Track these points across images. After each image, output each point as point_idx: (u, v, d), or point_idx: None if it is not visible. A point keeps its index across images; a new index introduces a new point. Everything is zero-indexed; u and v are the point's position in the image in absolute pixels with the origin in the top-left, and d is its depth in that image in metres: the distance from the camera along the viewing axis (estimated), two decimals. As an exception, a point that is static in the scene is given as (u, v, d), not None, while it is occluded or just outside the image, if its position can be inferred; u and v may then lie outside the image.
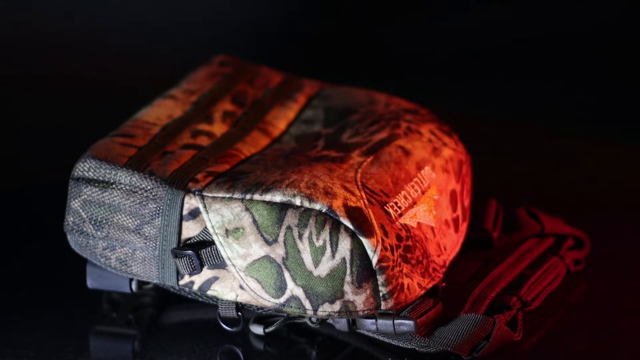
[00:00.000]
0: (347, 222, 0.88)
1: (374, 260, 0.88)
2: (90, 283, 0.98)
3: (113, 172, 0.93)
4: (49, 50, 1.54)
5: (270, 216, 0.89)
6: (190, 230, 0.92)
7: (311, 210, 0.89)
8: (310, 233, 0.89)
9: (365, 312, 0.89)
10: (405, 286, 0.90)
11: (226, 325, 0.94)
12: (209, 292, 0.93)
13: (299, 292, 0.89)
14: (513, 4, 1.56)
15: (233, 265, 0.90)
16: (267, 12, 1.59)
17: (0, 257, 1.08)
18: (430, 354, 0.90)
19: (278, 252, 0.89)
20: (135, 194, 0.93)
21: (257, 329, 0.94)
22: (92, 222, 0.94)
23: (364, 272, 0.88)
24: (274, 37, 1.56)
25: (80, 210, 0.94)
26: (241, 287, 0.91)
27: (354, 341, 0.93)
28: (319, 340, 0.93)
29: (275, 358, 0.92)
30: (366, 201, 0.91)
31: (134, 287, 0.97)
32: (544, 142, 1.34)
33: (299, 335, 0.93)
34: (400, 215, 0.93)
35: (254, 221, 0.90)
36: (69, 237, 0.96)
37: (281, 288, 0.90)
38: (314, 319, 0.92)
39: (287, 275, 0.89)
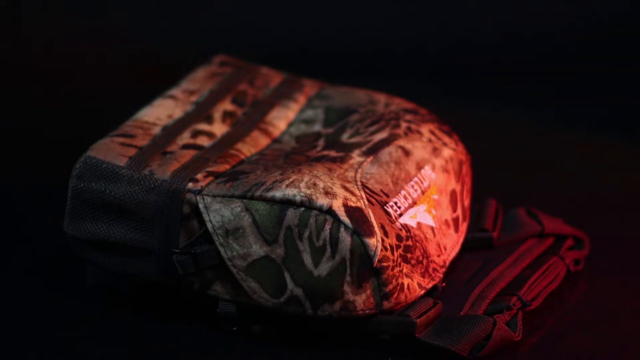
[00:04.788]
0: (347, 222, 0.88)
1: (374, 260, 0.88)
2: (90, 281, 0.98)
3: (113, 172, 0.93)
4: (49, 50, 1.54)
5: (270, 216, 0.89)
6: (190, 230, 0.92)
7: (311, 210, 0.89)
8: (310, 233, 0.89)
9: (365, 312, 0.89)
10: (405, 286, 0.90)
11: (226, 325, 0.94)
12: (209, 292, 0.93)
13: (299, 292, 0.89)
14: (513, 2, 1.56)
15: (233, 265, 0.90)
16: (267, 12, 1.59)
17: (1, 257, 1.08)
18: (430, 354, 0.89)
19: (278, 252, 0.89)
20: (136, 193, 0.93)
21: (256, 328, 0.94)
22: (92, 222, 0.94)
23: (364, 272, 0.88)
24: (275, 38, 1.56)
25: (80, 210, 0.94)
26: (241, 287, 0.91)
27: (354, 341, 0.93)
28: (319, 340, 0.93)
29: (275, 357, 0.92)
30: (366, 201, 0.91)
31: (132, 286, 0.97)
32: (544, 142, 1.34)
33: (298, 334, 0.93)
34: (400, 215, 0.93)
35: (254, 221, 0.90)
36: (68, 237, 0.96)
37: (281, 288, 0.90)
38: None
39: (287, 275, 0.89)
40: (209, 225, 0.91)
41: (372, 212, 0.90)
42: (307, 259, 0.89)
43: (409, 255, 0.91)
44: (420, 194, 0.96)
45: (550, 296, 0.98)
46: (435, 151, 1.00)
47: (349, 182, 0.92)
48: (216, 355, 0.93)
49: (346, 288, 0.88)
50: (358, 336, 0.92)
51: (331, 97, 1.07)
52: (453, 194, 1.00)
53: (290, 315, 0.90)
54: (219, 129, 1.01)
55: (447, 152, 1.01)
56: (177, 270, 0.92)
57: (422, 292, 0.92)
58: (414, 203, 0.95)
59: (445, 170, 0.99)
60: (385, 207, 0.92)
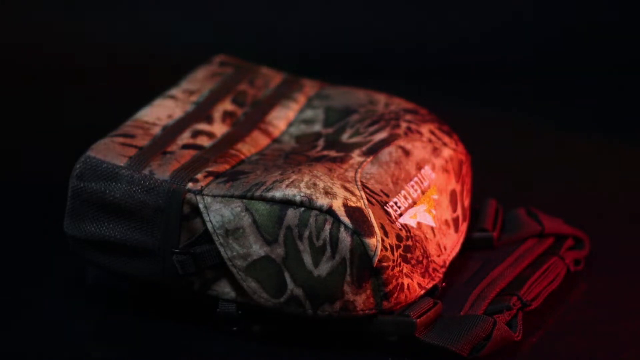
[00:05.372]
0: (347, 222, 0.88)
1: (374, 260, 0.88)
2: (90, 282, 0.98)
3: (113, 172, 0.93)
4: (49, 49, 1.54)
5: (270, 216, 0.89)
6: (190, 230, 0.92)
7: (311, 210, 0.89)
8: (310, 233, 0.89)
9: (365, 312, 0.89)
10: (405, 286, 0.90)
11: (226, 325, 0.94)
12: (209, 292, 0.93)
13: (299, 292, 0.89)
14: (513, 2, 1.56)
15: (233, 265, 0.90)
16: (267, 12, 1.59)
17: (0, 257, 1.08)
18: (430, 354, 0.89)
19: (278, 252, 0.89)
20: (136, 194, 0.93)
21: (256, 328, 0.94)
22: (92, 222, 0.94)
23: (364, 272, 0.88)
24: (275, 38, 1.56)
25: (80, 210, 0.94)
26: (241, 287, 0.91)
27: (353, 341, 0.93)
28: (319, 340, 0.93)
29: (275, 357, 0.92)
30: (366, 201, 0.91)
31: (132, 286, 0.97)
32: (544, 142, 1.34)
33: (298, 334, 0.93)
34: (400, 215, 0.93)
35: (254, 221, 0.90)
36: (68, 237, 0.96)
37: (281, 288, 0.90)
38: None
39: (287, 275, 0.89)
40: (209, 225, 0.91)
41: (372, 212, 0.90)
42: (307, 259, 0.89)
43: (409, 255, 0.91)
44: (420, 194, 0.96)
45: (550, 296, 0.98)
46: (435, 151, 1.00)
47: (349, 182, 0.92)
48: (216, 355, 0.93)
49: (346, 288, 0.88)
50: (358, 336, 0.92)
51: (331, 97, 1.07)
52: (453, 194, 1.00)
53: (290, 315, 0.90)
54: (219, 129, 1.01)
55: (447, 152, 1.01)
56: (177, 270, 0.92)
57: (422, 292, 0.92)
58: (414, 203, 0.95)
59: (445, 170, 0.99)
60: (385, 207, 0.92)
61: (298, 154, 0.98)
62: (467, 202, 1.02)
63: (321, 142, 1.01)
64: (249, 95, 1.06)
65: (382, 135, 0.99)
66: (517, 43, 1.53)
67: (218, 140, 0.99)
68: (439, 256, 0.95)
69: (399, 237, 0.91)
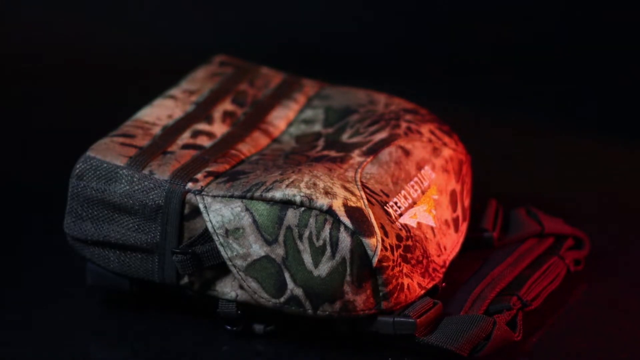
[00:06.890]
0: (347, 222, 0.88)
1: (374, 260, 0.88)
2: (90, 282, 0.98)
3: (113, 172, 0.93)
4: (48, 50, 1.54)
5: (270, 216, 0.89)
6: (190, 230, 0.92)
7: (311, 210, 0.89)
8: (310, 233, 0.89)
9: (365, 312, 0.89)
10: (405, 286, 0.90)
11: (227, 325, 0.94)
12: (209, 292, 0.93)
13: (299, 292, 0.89)
14: (513, 2, 1.56)
15: (233, 265, 0.90)
16: (268, 12, 1.59)
17: (0, 257, 1.08)
18: (430, 354, 0.89)
19: (278, 252, 0.89)
20: (136, 194, 0.93)
21: (258, 328, 0.94)
22: (92, 222, 0.94)
23: (364, 272, 0.88)
24: (275, 38, 1.56)
25: (80, 210, 0.94)
26: (241, 287, 0.91)
27: (353, 341, 0.93)
28: (319, 340, 0.93)
29: (276, 357, 0.92)
30: (366, 201, 0.91)
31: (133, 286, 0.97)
32: (544, 142, 1.34)
33: (298, 334, 0.93)
34: (400, 215, 0.93)
35: (254, 221, 0.90)
36: (68, 237, 0.96)
37: (281, 288, 0.90)
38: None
39: (287, 275, 0.89)
40: (209, 225, 0.91)
41: (372, 212, 0.90)
42: (307, 259, 0.89)
43: (409, 255, 0.91)
44: (420, 194, 0.96)
45: (550, 296, 0.98)
46: (436, 151, 1.00)
47: (349, 182, 0.92)
48: (216, 355, 0.93)
49: (346, 288, 0.88)
50: (358, 336, 0.92)
51: (331, 97, 1.07)
52: (453, 194, 1.00)
53: (290, 315, 0.90)
54: (219, 129, 1.01)
55: (447, 152, 1.01)
56: (177, 270, 0.92)
57: (422, 292, 0.92)
58: (414, 203, 0.95)
59: (445, 170, 0.99)
60: (385, 207, 0.92)
61: (298, 154, 0.98)
62: (467, 202, 1.02)
63: (321, 142, 1.01)
64: (249, 95, 1.06)
65: (382, 135, 0.99)
66: (517, 43, 1.53)
67: (218, 140, 0.99)
68: (439, 256, 0.95)
69: (399, 237, 0.91)
